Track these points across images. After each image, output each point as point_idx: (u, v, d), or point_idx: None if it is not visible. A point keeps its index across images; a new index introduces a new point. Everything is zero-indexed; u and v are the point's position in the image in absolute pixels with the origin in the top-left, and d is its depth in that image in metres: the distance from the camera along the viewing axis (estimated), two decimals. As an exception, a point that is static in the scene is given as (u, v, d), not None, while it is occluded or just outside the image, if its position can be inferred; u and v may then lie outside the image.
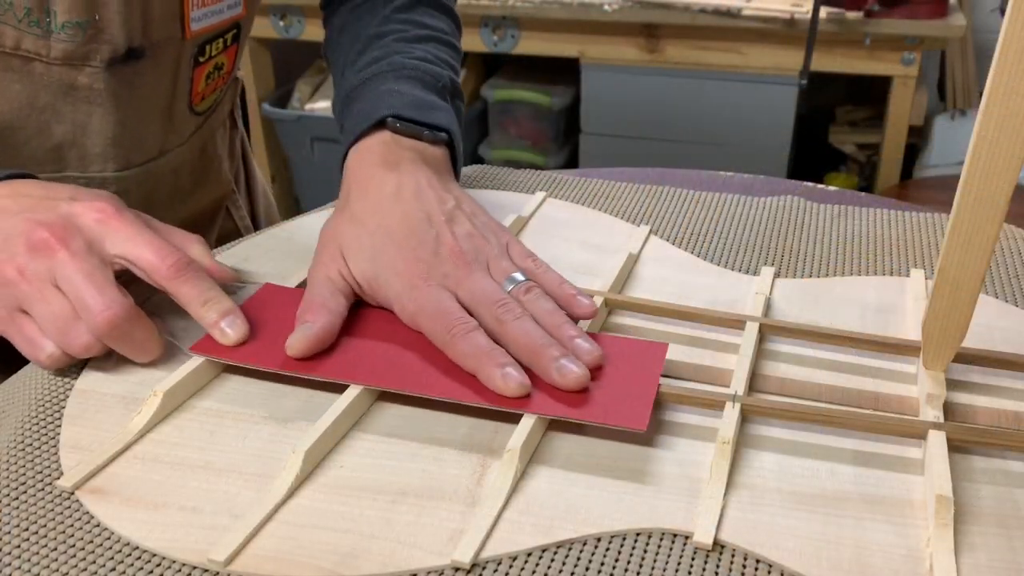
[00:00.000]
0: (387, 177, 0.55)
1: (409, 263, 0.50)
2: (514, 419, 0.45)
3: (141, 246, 0.48)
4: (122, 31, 0.55)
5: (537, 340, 0.46)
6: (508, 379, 0.44)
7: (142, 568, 0.38)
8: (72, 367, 0.51)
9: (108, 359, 0.51)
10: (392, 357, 0.49)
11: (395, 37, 0.66)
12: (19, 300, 0.46)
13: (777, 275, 0.61)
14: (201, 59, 0.64)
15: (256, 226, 0.85)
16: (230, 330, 0.49)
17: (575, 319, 0.50)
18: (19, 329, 0.47)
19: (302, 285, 0.56)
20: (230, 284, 0.54)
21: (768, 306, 0.57)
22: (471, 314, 0.48)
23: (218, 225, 0.78)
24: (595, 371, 0.46)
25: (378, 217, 0.53)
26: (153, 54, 0.59)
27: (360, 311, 0.52)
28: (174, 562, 0.39)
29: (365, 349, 0.49)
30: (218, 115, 0.72)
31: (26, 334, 0.47)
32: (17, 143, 0.56)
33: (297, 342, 0.48)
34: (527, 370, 0.46)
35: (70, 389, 0.49)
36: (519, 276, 0.50)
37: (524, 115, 2.21)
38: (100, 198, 0.49)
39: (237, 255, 0.63)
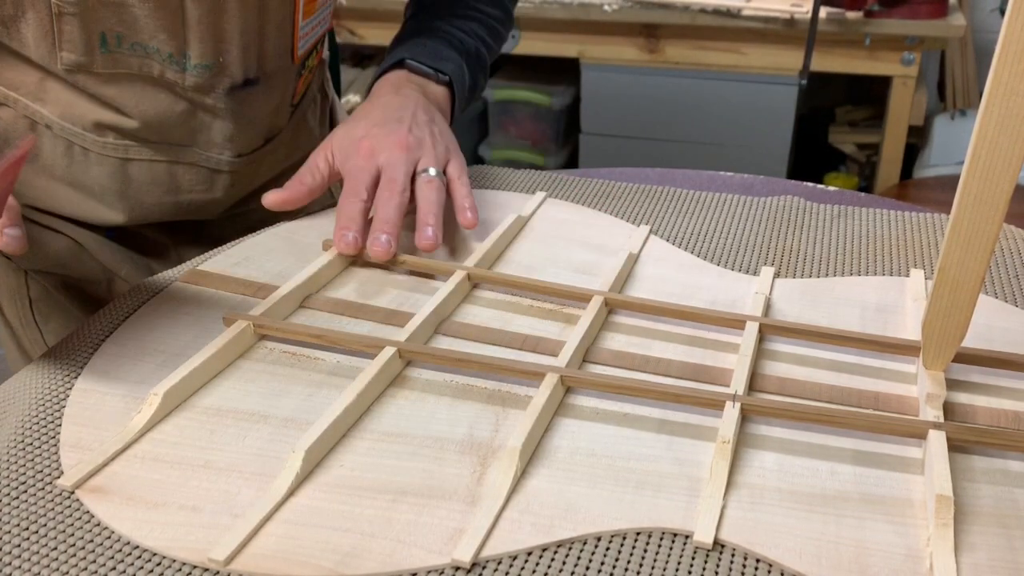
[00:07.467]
0: (388, 92, 0.70)
1: (365, 135, 0.65)
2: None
3: None
4: (240, 69, 0.68)
5: (381, 216, 0.60)
6: (343, 239, 0.60)
7: (142, 567, 0.39)
8: (72, 367, 0.51)
9: (109, 359, 0.51)
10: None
11: (445, 9, 0.80)
12: None
13: (777, 275, 0.61)
14: (303, 72, 0.78)
15: None
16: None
17: (465, 227, 0.63)
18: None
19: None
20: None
21: (768, 306, 0.57)
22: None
23: None
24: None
25: (367, 112, 0.68)
26: (266, 80, 0.72)
27: None
28: (174, 561, 0.39)
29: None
30: (309, 96, 0.85)
31: None
32: (163, 128, 0.70)
33: (271, 194, 0.63)
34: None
35: (70, 389, 0.49)
36: (432, 171, 0.64)
37: (524, 115, 2.21)
38: None
39: (237, 254, 0.63)
